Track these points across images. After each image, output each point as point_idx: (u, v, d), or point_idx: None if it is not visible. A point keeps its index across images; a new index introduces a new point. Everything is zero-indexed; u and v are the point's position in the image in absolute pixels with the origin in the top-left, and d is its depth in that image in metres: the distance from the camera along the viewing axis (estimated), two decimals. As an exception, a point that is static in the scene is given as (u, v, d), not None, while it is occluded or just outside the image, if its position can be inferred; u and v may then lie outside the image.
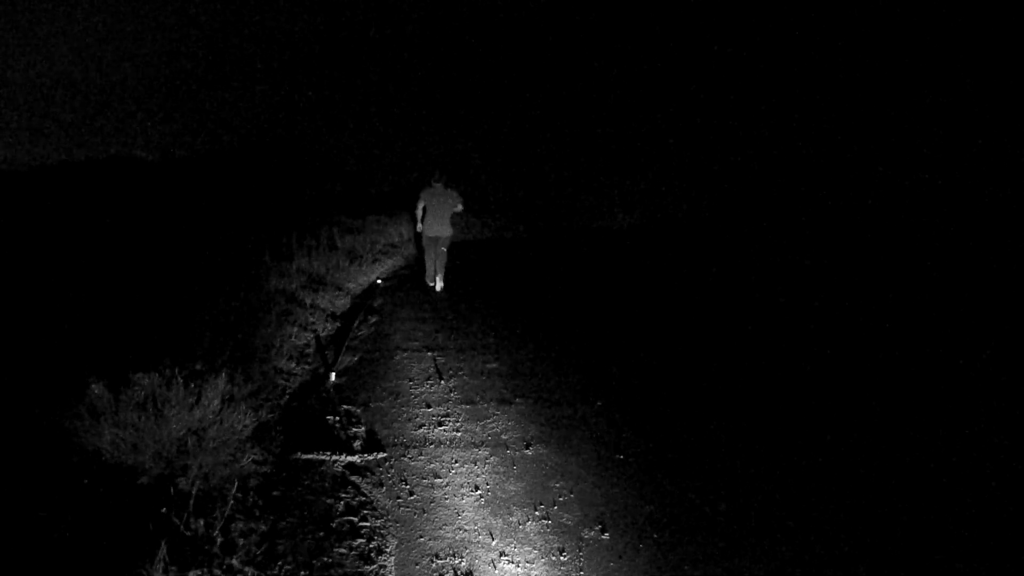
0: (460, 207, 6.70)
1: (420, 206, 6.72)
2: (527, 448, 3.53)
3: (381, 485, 3.14)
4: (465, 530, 2.80)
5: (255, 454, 3.07)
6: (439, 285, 7.05)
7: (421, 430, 3.74)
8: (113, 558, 2.20)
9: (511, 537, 2.75)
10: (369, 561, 2.55)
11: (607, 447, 3.56)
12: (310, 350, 4.95)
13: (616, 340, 5.60)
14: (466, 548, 2.68)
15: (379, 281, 7.75)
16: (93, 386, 2.95)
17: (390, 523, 2.85)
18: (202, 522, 2.46)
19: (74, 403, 2.91)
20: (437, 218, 6.61)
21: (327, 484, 3.06)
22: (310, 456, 3.30)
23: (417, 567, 2.57)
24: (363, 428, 3.71)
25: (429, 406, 4.07)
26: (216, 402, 3.08)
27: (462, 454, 3.46)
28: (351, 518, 2.81)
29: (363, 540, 2.68)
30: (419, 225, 6.80)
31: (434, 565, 2.57)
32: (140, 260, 6.57)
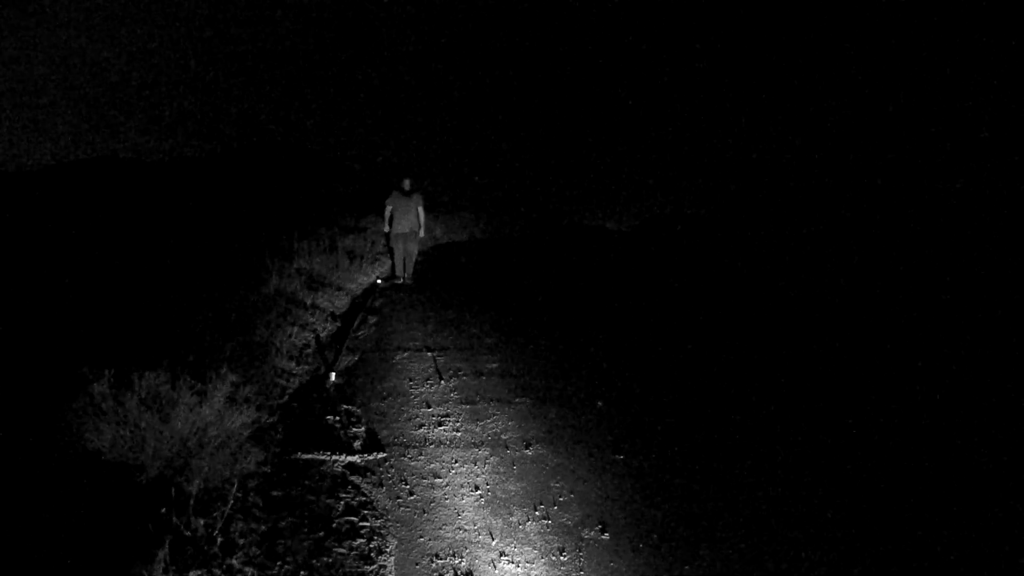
0: (422, 209, 7.42)
1: (388, 209, 7.37)
2: (527, 448, 3.53)
3: (381, 485, 3.14)
4: (465, 530, 2.80)
5: (255, 454, 3.07)
6: (409, 280, 7.68)
7: (421, 430, 3.74)
8: (113, 558, 2.20)
9: (511, 537, 2.75)
10: (369, 561, 2.55)
11: (607, 447, 3.56)
12: (310, 350, 4.95)
13: (616, 341, 5.60)
14: (466, 548, 2.68)
15: (379, 281, 7.76)
16: (94, 385, 2.95)
17: (390, 523, 2.85)
18: (202, 522, 2.46)
19: (75, 402, 2.91)
20: (403, 218, 7.31)
21: (327, 484, 3.06)
22: (310, 456, 3.30)
23: (417, 567, 2.57)
24: (363, 428, 3.71)
25: (429, 406, 4.07)
26: (218, 403, 3.08)
27: (462, 454, 3.46)
28: (351, 518, 2.81)
29: (363, 540, 2.68)
30: (387, 226, 7.47)
31: (434, 565, 2.57)
32: (141, 260, 6.57)
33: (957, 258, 9.09)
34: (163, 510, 2.43)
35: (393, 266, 7.89)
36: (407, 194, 7.30)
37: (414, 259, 7.63)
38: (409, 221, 7.32)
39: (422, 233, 7.51)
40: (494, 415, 3.96)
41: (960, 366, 4.98)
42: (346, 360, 4.86)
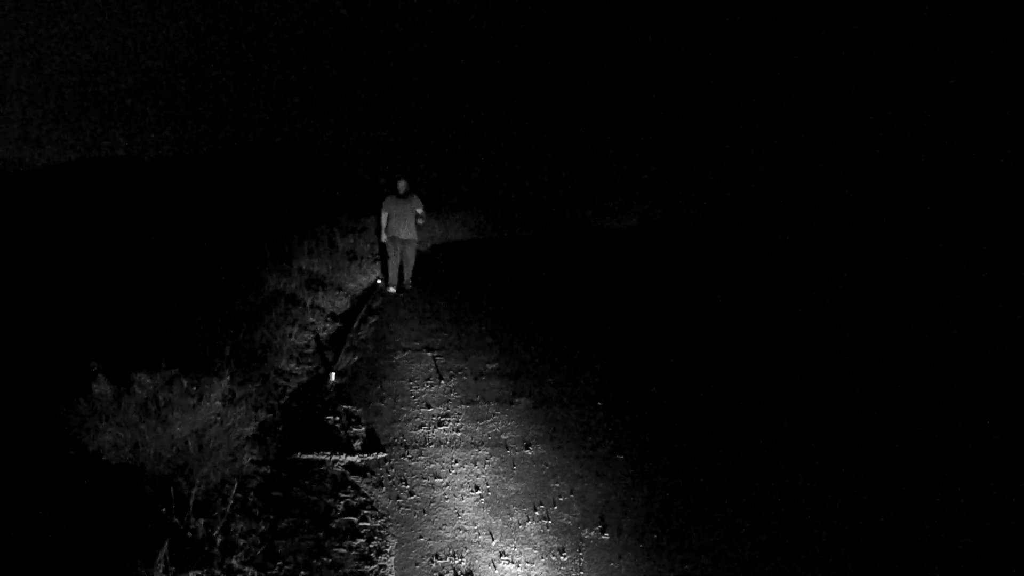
0: (421, 211, 6.87)
1: (384, 214, 6.83)
2: (527, 448, 3.53)
3: (381, 485, 3.14)
4: (465, 530, 2.80)
5: (255, 454, 3.07)
6: (408, 285, 7.14)
7: (421, 430, 3.74)
8: (113, 558, 2.20)
9: (511, 537, 2.75)
10: (369, 561, 2.55)
11: (607, 447, 3.56)
12: (310, 350, 4.95)
13: (616, 341, 5.60)
14: (466, 548, 2.68)
15: (379, 281, 7.75)
16: (95, 385, 2.95)
17: (390, 523, 2.85)
18: (202, 522, 2.46)
19: (75, 403, 2.91)
20: (401, 223, 6.79)
21: (327, 484, 3.07)
22: (310, 456, 3.30)
23: (417, 567, 2.57)
24: (363, 428, 3.71)
25: (429, 406, 4.07)
26: (218, 403, 3.08)
27: (462, 454, 3.46)
28: (351, 518, 2.81)
29: (363, 540, 2.68)
30: (383, 235, 6.90)
31: (434, 565, 2.57)
32: (142, 261, 6.57)
33: (957, 257, 9.10)
34: (163, 510, 2.43)
35: (385, 275, 7.23)
36: (403, 197, 6.77)
37: (412, 265, 7.13)
38: (407, 226, 6.81)
39: (421, 224, 6.99)
40: (494, 415, 3.96)
41: (960, 366, 4.98)
42: (346, 360, 4.86)
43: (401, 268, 7.07)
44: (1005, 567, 2.61)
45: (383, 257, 7.18)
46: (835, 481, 3.23)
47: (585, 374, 4.70)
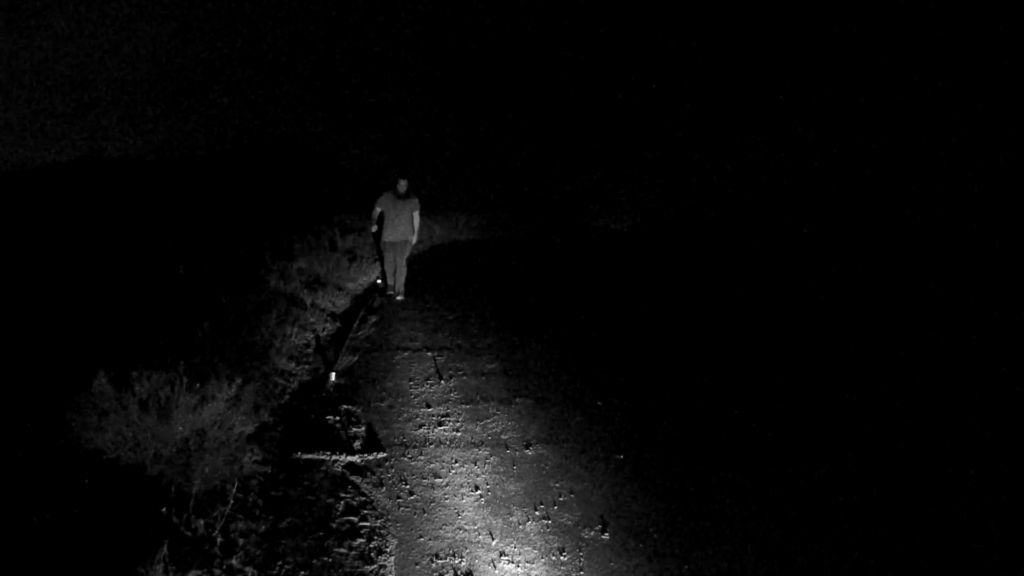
0: (418, 215, 6.59)
1: (377, 210, 6.50)
2: (527, 448, 3.53)
3: (381, 485, 3.14)
4: (465, 530, 2.80)
5: (255, 454, 3.07)
6: (400, 295, 6.90)
7: (421, 430, 3.74)
8: (113, 558, 2.20)
9: (511, 537, 2.75)
10: (369, 561, 2.55)
11: (607, 447, 3.56)
12: (310, 350, 4.95)
13: (616, 342, 5.60)
14: (466, 548, 2.68)
15: (379, 281, 7.75)
16: (96, 385, 2.95)
17: (390, 523, 2.85)
18: (202, 522, 2.46)
19: (76, 402, 2.91)
20: (395, 224, 6.46)
21: (327, 484, 3.07)
22: (310, 456, 3.30)
23: (417, 567, 2.56)
24: (363, 428, 3.71)
25: (429, 406, 4.07)
26: (219, 403, 3.08)
27: (462, 454, 3.46)
28: (351, 518, 2.81)
29: (363, 540, 2.68)
30: (374, 226, 6.67)
31: (434, 565, 2.57)
32: (142, 261, 6.57)
33: (957, 257, 9.09)
34: (163, 510, 2.44)
35: (383, 276, 7.10)
36: (401, 197, 6.38)
37: (405, 272, 6.86)
38: (402, 228, 6.44)
39: (414, 239, 6.68)
40: (494, 415, 3.96)
41: (959, 365, 4.97)
42: (346, 360, 4.86)
43: (395, 274, 6.89)
44: (1005, 567, 2.61)
45: (381, 257, 7.06)
46: (836, 480, 3.23)
47: (585, 374, 4.70)
